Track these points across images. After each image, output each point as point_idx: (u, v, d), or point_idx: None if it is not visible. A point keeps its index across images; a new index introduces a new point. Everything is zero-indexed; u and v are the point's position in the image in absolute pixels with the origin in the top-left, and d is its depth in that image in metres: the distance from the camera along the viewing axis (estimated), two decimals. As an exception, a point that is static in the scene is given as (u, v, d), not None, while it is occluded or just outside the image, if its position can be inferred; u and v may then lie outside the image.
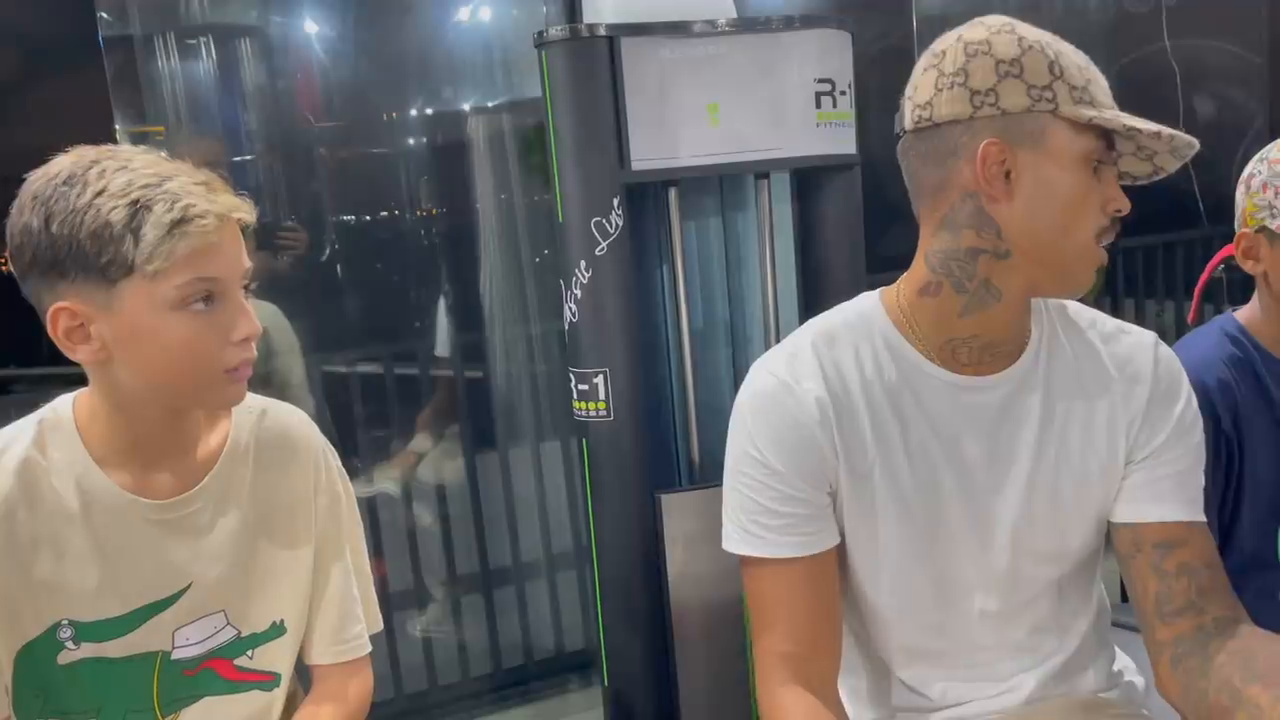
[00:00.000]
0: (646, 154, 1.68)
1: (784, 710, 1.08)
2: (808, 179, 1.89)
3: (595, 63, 1.65)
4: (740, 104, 1.73)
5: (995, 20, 1.04)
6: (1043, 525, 1.14)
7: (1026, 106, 1.00)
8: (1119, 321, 1.18)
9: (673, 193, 1.76)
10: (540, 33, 1.67)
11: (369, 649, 1.26)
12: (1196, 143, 1.03)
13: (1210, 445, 1.27)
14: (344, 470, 1.26)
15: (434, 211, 3.26)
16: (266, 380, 2.83)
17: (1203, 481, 1.16)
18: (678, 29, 1.69)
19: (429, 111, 3.26)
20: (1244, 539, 1.34)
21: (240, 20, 3.18)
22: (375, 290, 3.36)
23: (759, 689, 1.12)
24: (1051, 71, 1.00)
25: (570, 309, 1.70)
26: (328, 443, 1.24)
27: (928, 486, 1.11)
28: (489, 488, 3.10)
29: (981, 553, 1.14)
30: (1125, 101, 1.04)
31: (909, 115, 1.06)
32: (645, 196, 1.80)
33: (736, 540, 1.12)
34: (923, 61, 1.06)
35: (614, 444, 1.72)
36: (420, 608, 3.11)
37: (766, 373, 1.12)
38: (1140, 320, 3.65)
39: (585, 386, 1.71)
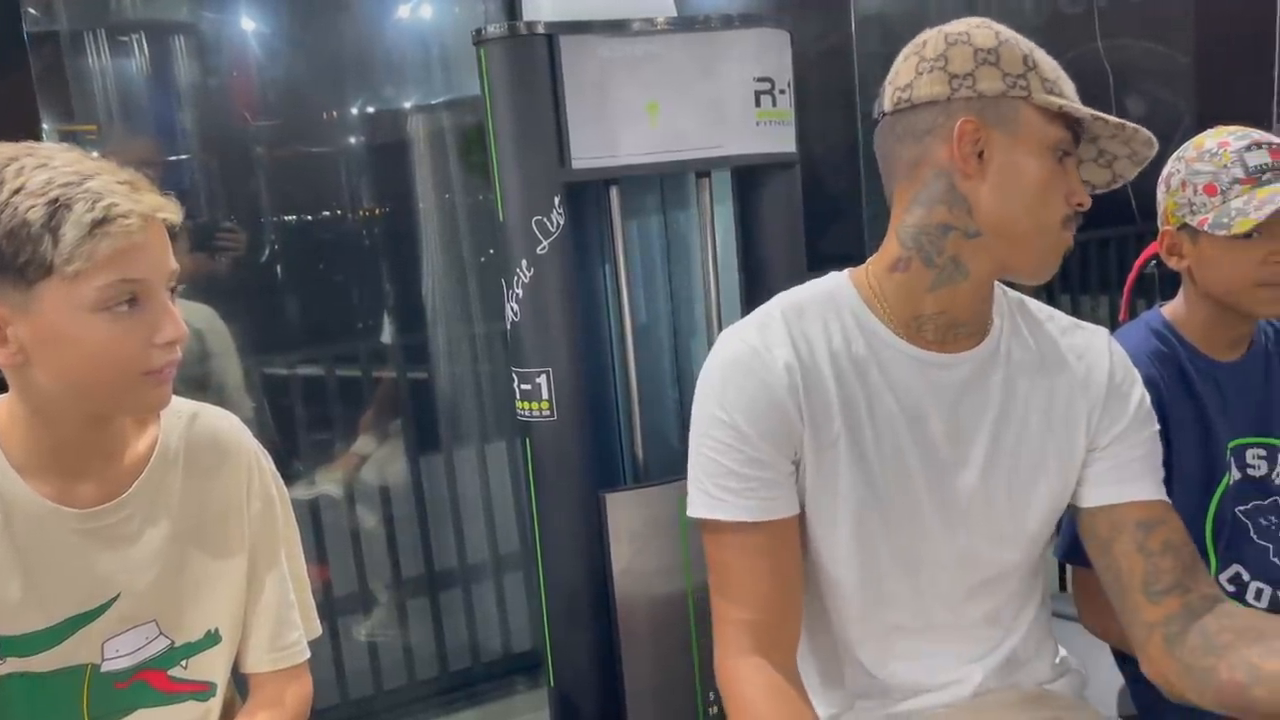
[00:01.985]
0: (587, 153, 1.68)
1: (743, 681, 1.08)
2: (748, 177, 1.90)
3: (534, 61, 1.64)
4: (680, 103, 1.73)
5: (974, 19, 1.10)
6: (1000, 506, 1.16)
7: (1002, 91, 1.04)
8: (1073, 318, 1.22)
9: (614, 191, 1.76)
10: (478, 30, 1.66)
11: (307, 655, 1.24)
12: (1155, 142, 1.08)
13: None
14: (278, 475, 1.23)
15: (376, 211, 3.22)
16: (203, 383, 2.78)
17: (1161, 464, 1.19)
18: (617, 28, 1.68)
19: (369, 110, 3.22)
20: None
21: (174, 17, 3.12)
22: (316, 291, 3.32)
23: (717, 657, 1.11)
24: (1025, 63, 1.05)
25: (512, 308, 1.69)
26: (260, 447, 1.22)
27: (891, 458, 1.12)
28: (434, 489, 3.08)
29: (941, 529, 1.15)
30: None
31: (888, 98, 1.11)
32: (586, 195, 1.79)
33: (699, 504, 1.12)
34: (904, 52, 1.12)
35: (557, 444, 1.71)
36: (365, 611, 3.08)
37: (738, 339, 1.13)
38: (1075, 315, 3.73)
39: (528, 386, 1.70)
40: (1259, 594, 1.39)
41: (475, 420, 3.07)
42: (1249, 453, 1.41)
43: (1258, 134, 1.34)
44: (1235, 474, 1.40)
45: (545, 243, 1.65)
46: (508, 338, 1.74)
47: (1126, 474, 1.16)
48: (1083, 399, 1.16)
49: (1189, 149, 1.37)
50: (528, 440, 1.73)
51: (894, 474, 1.13)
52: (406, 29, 3.24)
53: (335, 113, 3.27)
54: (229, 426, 1.19)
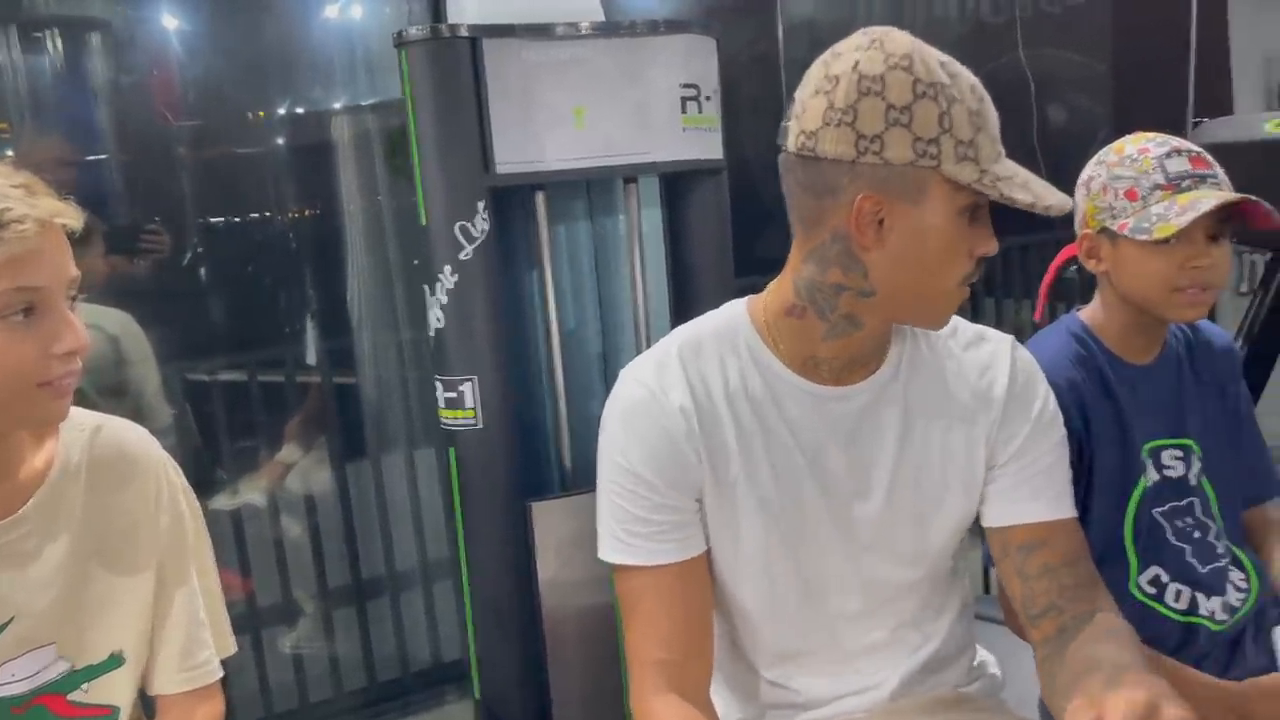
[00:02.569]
0: (511, 157, 1.65)
1: (658, 718, 1.08)
2: (676, 183, 1.89)
3: (457, 64, 1.62)
4: (606, 108, 1.72)
5: (895, 43, 1.00)
6: (904, 529, 1.16)
7: (910, 160, 0.99)
8: (979, 328, 1.21)
9: (540, 196, 1.74)
10: (399, 33, 1.63)
11: (219, 675, 1.20)
12: (1069, 204, 1.04)
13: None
14: (189, 488, 1.20)
15: (301, 214, 3.16)
16: (119, 391, 2.70)
17: (1069, 474, 1.20)
18: (541, 31, 1.67)
19: (294, 111, 3.16)
20: (1093, 533, 1.39)
21: (91, 13, 3.03)
22: (239, 295, 3.24)
23: (632, 698, 1.12)
24: (941, 124, 0.98)
25: (435, 315, 1.67)
26: (170, 459, 1.18)
27: (790, 493, 1.13)
28: (361, 497, 3.03)
29: (845, 556, 1.16)
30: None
31: (792, 137, 1.04)
32: (512, 200, 1.77)
33: (609, 549, 1.13)
34: (814, 80, 1.03)
35: (483, 453, 1.69)
36: (290, 623, 3.02)
37: (634, 382, 1.12)
38: (999, 318, 3.80)
39: (452, 394, 1.67)
40: (1178, 595, 1.41)
41: (403, 426, 3.03)
42: (1165, 454, 1.44)
43: (1176, 141, 1.37)
44: (1153, 475, 1.42)
45: (469, 248, 1.63)
46: (431, 345, 1.71)
47: (1018, 495, 1.16)
48: (983, 416, 1.16)
49: (1109, 154, 1.38)
50: (452, 449, 1.70)
51: (793, 507, 1.13)
52: (332, 29, 3.18)
53: (259, 114, 3.20)
54: (136, 439, 1.15)
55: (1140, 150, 1.36)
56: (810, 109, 1.02)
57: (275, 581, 2.96)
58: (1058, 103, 4.05)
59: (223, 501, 3.05)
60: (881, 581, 1.18)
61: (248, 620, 2.97)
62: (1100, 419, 1.39)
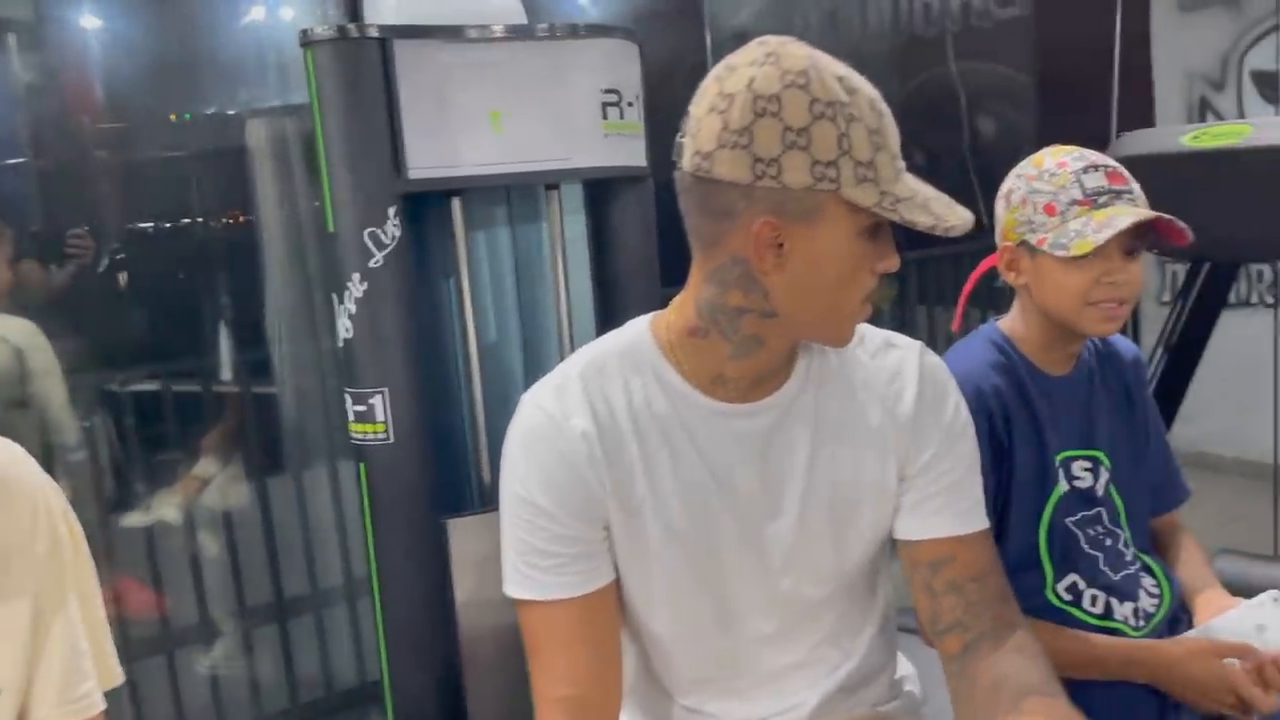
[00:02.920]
0: (425, 162, 1.60)
1: None
2: (600, 190, 1.86)
3: (366, 65, 1.56)
4: (525, 112, 1.67)
5: (791, 58, 0.96)
6: (819, 546, 1.13)
7: (808, 185, 0.95)
8: (887, 334, 1.18)
9: (456, 203, 1.69)
10: (305, 31, 1.57)
11: (102, 707, 1.13)
12: (971, 221, 1.01)
13: (985, 447, 1.29)
14: (70, 511, 1.12)
15: (220, 219, 3.07)
16: (24, 404, 2.60)
17: (980, 484, 1.18)
18: (455, 33, 1.62)
19: (211, 114, 3.06)
20: (1011, 540, 1.38)
21: (3, 13, 2.91)
22: (155, 304, 3.14)
23: None
24: (839, 146, 0.94)
25: (344, 325, 1.60)
26: (50, 482, 1.10)
27: (700, 516, 1.09)
28: (282, 512, 2.95)
29: (760, 577, 1.12)
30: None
31: (687, 156, 1.00)
32: (428, 206, 1.72)
33: (512, 583, 1.09)
34: (708, 96, 0.98)
35: (395, 468, 1.63)
36: (207, 644, 2.92)
37: (533, 407, 1.08)
38: (930, 326, 3.82)
39: (362, 407, 1.61)
40: (1094, 600, 1.41)
41: (325, 439, 2.95)
42: (1076, 465, 1.44)
43: (1094, 155, 1.37)
44: (1065, 485, 1.42)
45: (379, 255, 1.57)
46: (340, 356, 1.64)
47: (927, 509, 1.13)
48: (892, 427, 1.13)
49: (1028, 166, 1.38)
50: (363, 464, 1.64)
51: (704, 532, 1.09)
52: (251, 30, 3.10)
53: (176, 117, 3.10)
54: (10, 460, 1.07)
55: (1059, 164, 1.35)
56: (705, 128, 0.97)
57: (192, 601, 2.87)
58: (987, 115, 4.10)
59: (136, 518, 2.95)
60: (798, 601, 1.15)
61: (161, 640, 2.88)
62: (1019, 427, 1.38)
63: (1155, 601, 1.44)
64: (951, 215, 0.99)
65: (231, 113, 3.00)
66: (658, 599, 1.11)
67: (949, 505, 1.14)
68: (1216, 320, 2.46)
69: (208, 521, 2.98)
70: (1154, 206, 2.32)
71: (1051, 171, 1.35)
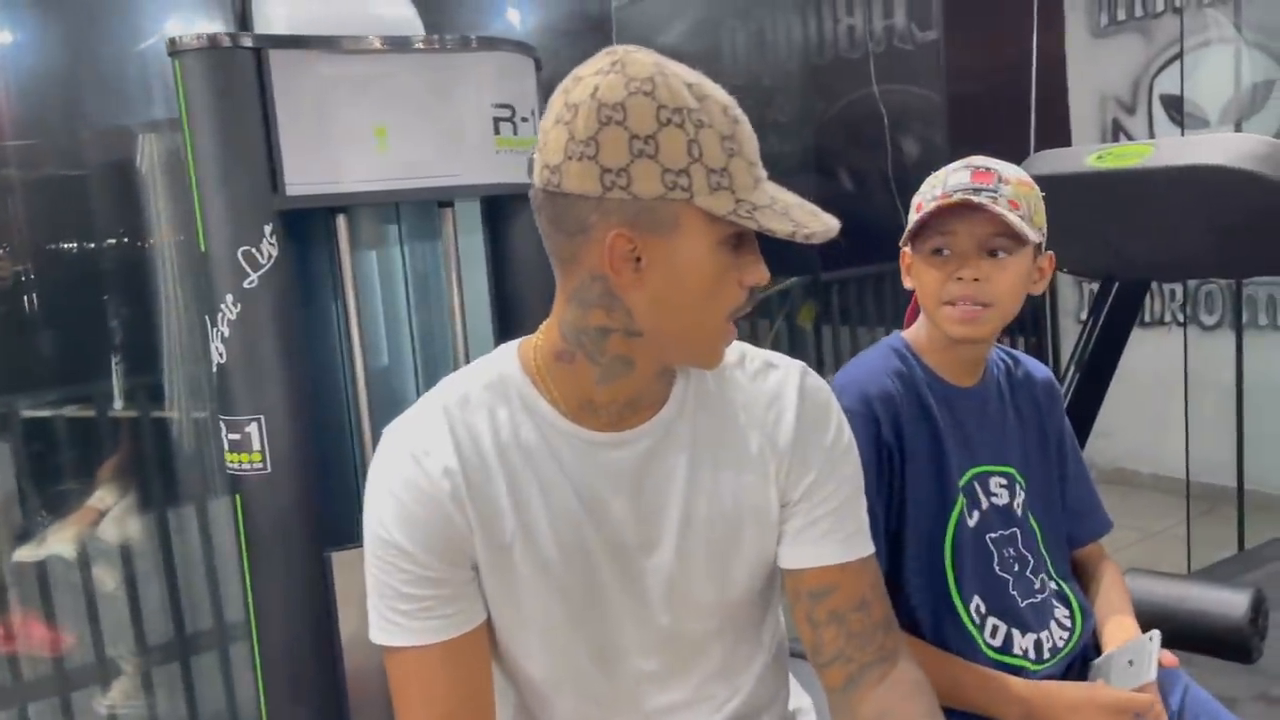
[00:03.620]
0: (304, 178, 1.53)
1: None
2: (497, 208, 1.80)
3: (239, 77, 1.48)
4: (412, 127, 1.61)
5: (637, 65, 0.92)
6: (700, 578, 1.08)
7: (660, 194, 0.90)
8: (768, 354, 1.13)
9: (341, 220, 1.62)
10: (173, 40, 1.49)
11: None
12: (835, 228, 0.96)
13: (873, 455, 1.26)
14: None
15: (112, 239, 2.95)
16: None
17: (864, 507, 1.13)
18: (334, 44, 1.55)
19: (111, 129, 2.94)
20: (912, 547, 1.33)
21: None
22: (47, 326, 3.01)
23: None
24: (690, 153, 0.90)
25: (217, 349, 1.52)
26: None
27: (574, 551, 1.03)
28: (184, 545, 2.82)
29: (639, 613, 1.07)
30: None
31: (537, 171, 0.95)
32: (313, 223, 1.64)
33: (375, 628, 1.01)
34: (555, 108, 0.95)
35: (273, 500, 1.54)
36: (104, 684, 2.79)
37: (393, 442, 1.01)
38: (854, 346, 3.82)
39: (237, 436, 1.52)
40: (995, 631, 1.36)
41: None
42: (992, 481, 1.40)
43: (983, 160, 1.34)
44: (983, 501, 1.38)
45: (254, 276, 1.49)
46: (214, 381, 1.56)
47: (809, 536, 1.08)
48: (771, 452, 1.08)
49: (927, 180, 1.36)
50: (238, 496, 1.56)
51: (578, 566, 1.04)
52: (153, 45, 2.99)
53: (67, 133, 2.98)
54: None
55: (946, 167, 1.33)
56: (552, 140, 0.93)
57: (88, 639, 2.74)
58: (910, 134, 4.13)
59: (26, 553, 2.81)
60: (680, 637, 1.10)
61: (56, 681, 2.74)
62: (916, 436, 1.34)
63: (1065, 635, 1.39)
64: (814, 222, 0.94)
65: (107, 129, 2.89)
66: (531, 640, 1.05)
67: (832, 532, 1.09)
68: (1127, 339, 2.47)
69: (105, 555, 2.85)
70: (1063, 226, 2.32)
71: (935, 175, 1.32)
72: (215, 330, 1.52)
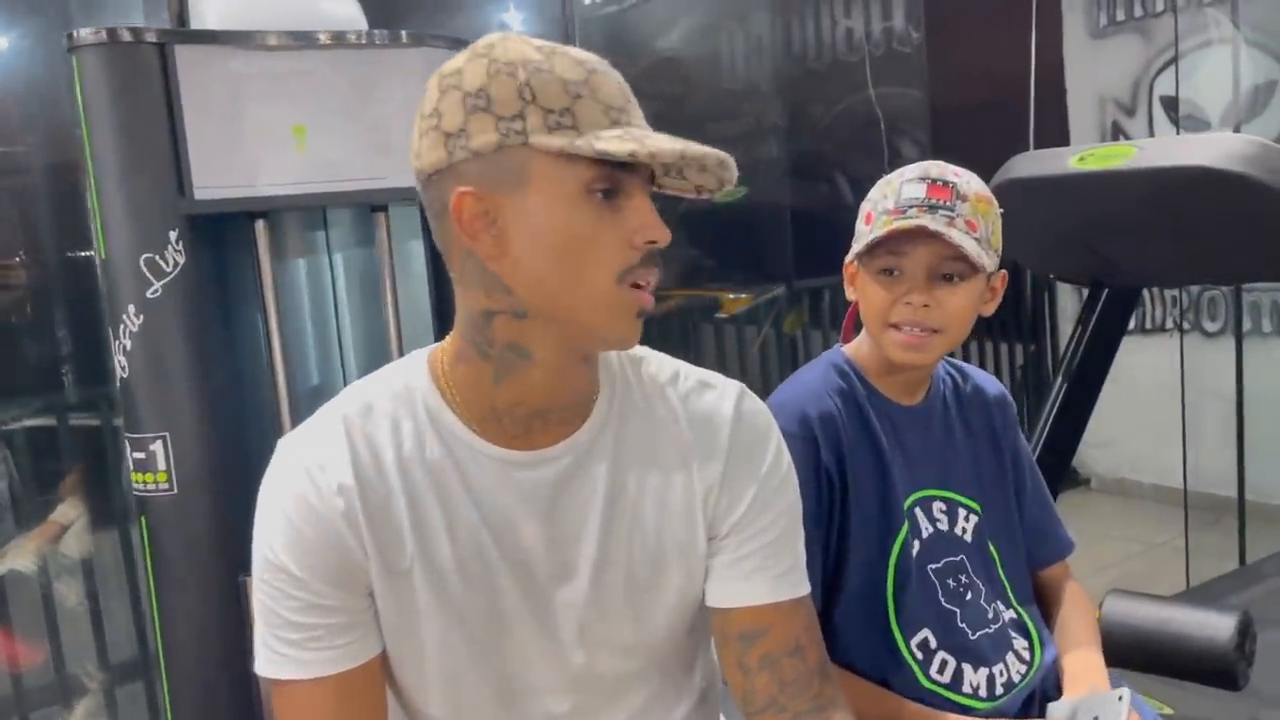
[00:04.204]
0: (215, 181, 1.44)
1: None
2: (437, 213, 1.70)
3: (141, 73, 1.40)
4: (333, 127, 1.52)
5: (485, 39, 0.89)
6: (617, 615, 0.98)
7: (497, 144, 0.85)
8: (705, 374, 1.04)
9: (260, 225, 1.53)
10: (71, 35, 1.40)
11: None
12: (703, 157, 0.87)
13: (812, 481, 1.18)
14: None
15: (70, 250, 2.90)
16: None
17: (801, 542, 1.04)
18: (247, 40, 1.46)
19: (61, 130, 2.89)
20: (854, 577, 1.24)
21: None
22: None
23: None
24: (521, 96, 0.85)
25: (120, 362, 1.43)
26: None
27: (479, 580, 0.94)
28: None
29: (549, 650, 0.97)
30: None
31: (414, 172, 0.91)
32: (234, 230, 1.56)
33: (261, 659, 0.92)
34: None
35: (181, 523, 1.45)
36: (67, 703, 2.72)
37: (286, 457, 0.93)
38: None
39: (141, 455, 1.43)
40: (943, 666, 1.26)
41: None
42: (935, 506, 1.30)
43: (939, 168, 1.24)
44: (926, 527, 1.28)
45: (158, 285, 1.40)
46: (119, 396, 1.47)
47: (739, 572, 0.99)
48: (700, 480, 0.99)
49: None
50: (144, 518, 1.47)
51: (483, 596, 0.94)
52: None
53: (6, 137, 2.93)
54: None
55: (900, 174, 1.23)
56: (415, 132, 0.90)
57: (49, 656, 2.68)
58: (906, 138, 4.05)
59: (-13, 567, 2.75)
60: (597, 677, 1.00)
61: (15, 701, 2.68)
62: (860, 459, 1.25)
63: (1023, 669, 1.29)
64: (663, 143, 0.85)
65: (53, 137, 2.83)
66: (430, 676, 0.96)
67: (764, 568, 0.99)
68: (1117, 347, 2.36)
69: (67, 570, 2.78)
70: (1049, 230, 2.21)
71: (889, 181, 1.23)
72: (118, 342, 1.43)
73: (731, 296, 3.78)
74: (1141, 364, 3.78)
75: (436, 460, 0.92)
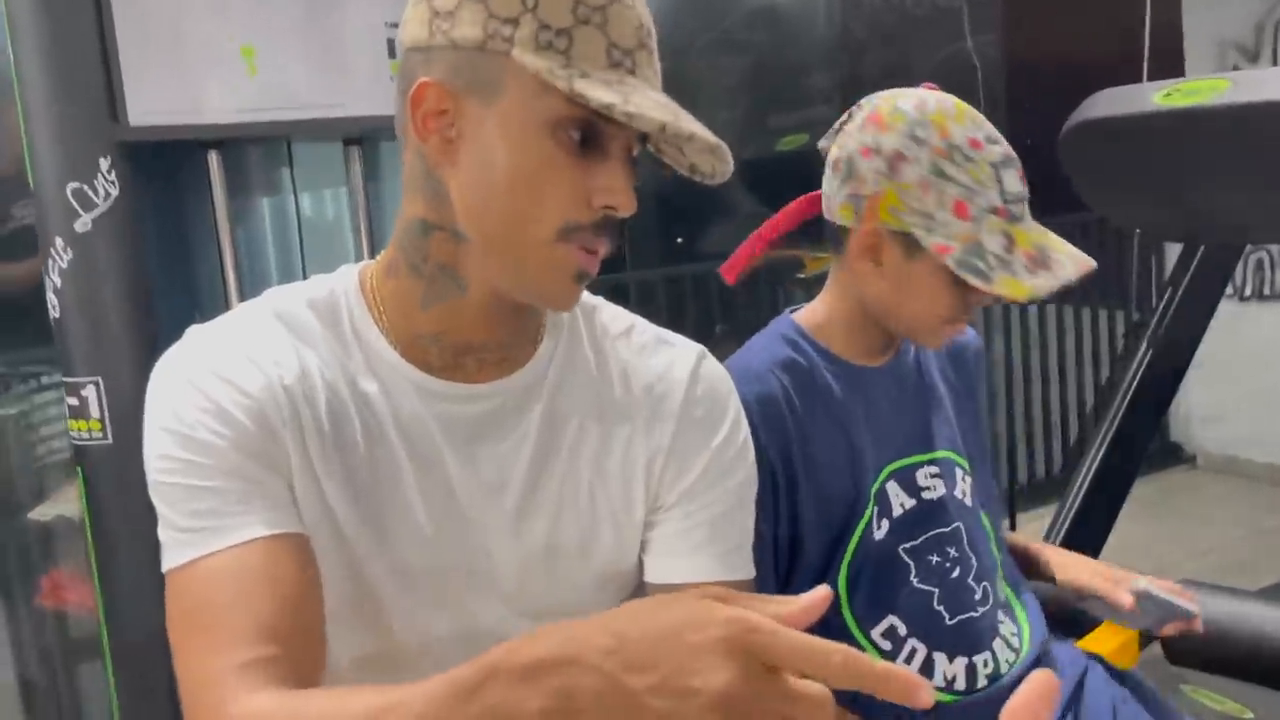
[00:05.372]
0: (153, 107, 1.33)
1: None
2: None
3: (68, -14, 1.30)
4: (284, 49, 1.39)
5: None
6: (537, 577, 0.87)
7: (479, 42, 0.76)
8: (664, 332, 0.94)
9: (213, 157, 1.42)
10: (-8, -53, 1.31)
11: None
12: (723, 153, 0.78)
13: (761, 469, 1.02)
14: None
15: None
16: None
17: (750, 522, 0.91)
18: (184, -52, 1.34)
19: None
20: (808, 568, 1.09)
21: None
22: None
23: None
24: (524, 2, 0.76)
25: (51, 300, 1.34)
26: None
27: (396, 510, 0.82)
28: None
29: (460, 603, 0.85)
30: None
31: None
32: (188, 164, 1.45)
33: (174, 552, 0.78)
34: None
35: (118, 475, 1.35)
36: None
37: (206, 335, 0.82)
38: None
39: (75, 400, 1.34)
40: (912, 654, 1.09)
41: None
42: (922, 473, 1.13)
43: (989, 131, 1.03)
44: (907, 501, 1.12)
45: (87, 217, 1.30)
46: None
47: (680, 547, 0.89)
48: (644, 443, 0.89)
49: (923, 126, 1.00)
50: (79, 468, 1.38)
51: (383, 537, 0.82)
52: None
53: None
54: None
55: (970, 141, 1.00)
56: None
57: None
58: (1003, 90, 3.80)
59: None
60: (507, 639, 0.85)
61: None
62: (818, 435, 1.09)
63: (1011, 656, 1.13)
64: (651, 109, 0.74)
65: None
66: (330, 608, 0.81)
67: (709, 544, 0.89)
68: (1213, 312, 2.09)
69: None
70: (1133, 178, 1.94)
71: (964, 152, 1.00)
72: (49, 280, 1.34)
73: (813, 256, 3.57)
74: (1258, 333, 3.42)
75: (358, 379, 0.83)
